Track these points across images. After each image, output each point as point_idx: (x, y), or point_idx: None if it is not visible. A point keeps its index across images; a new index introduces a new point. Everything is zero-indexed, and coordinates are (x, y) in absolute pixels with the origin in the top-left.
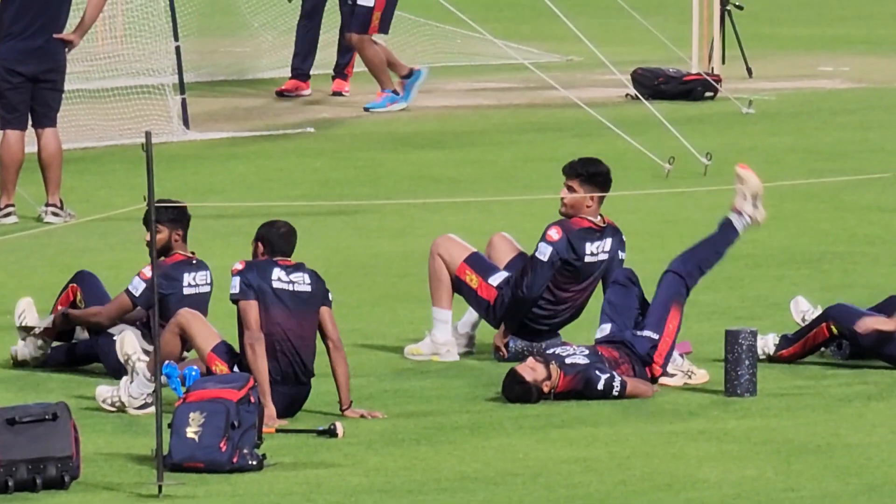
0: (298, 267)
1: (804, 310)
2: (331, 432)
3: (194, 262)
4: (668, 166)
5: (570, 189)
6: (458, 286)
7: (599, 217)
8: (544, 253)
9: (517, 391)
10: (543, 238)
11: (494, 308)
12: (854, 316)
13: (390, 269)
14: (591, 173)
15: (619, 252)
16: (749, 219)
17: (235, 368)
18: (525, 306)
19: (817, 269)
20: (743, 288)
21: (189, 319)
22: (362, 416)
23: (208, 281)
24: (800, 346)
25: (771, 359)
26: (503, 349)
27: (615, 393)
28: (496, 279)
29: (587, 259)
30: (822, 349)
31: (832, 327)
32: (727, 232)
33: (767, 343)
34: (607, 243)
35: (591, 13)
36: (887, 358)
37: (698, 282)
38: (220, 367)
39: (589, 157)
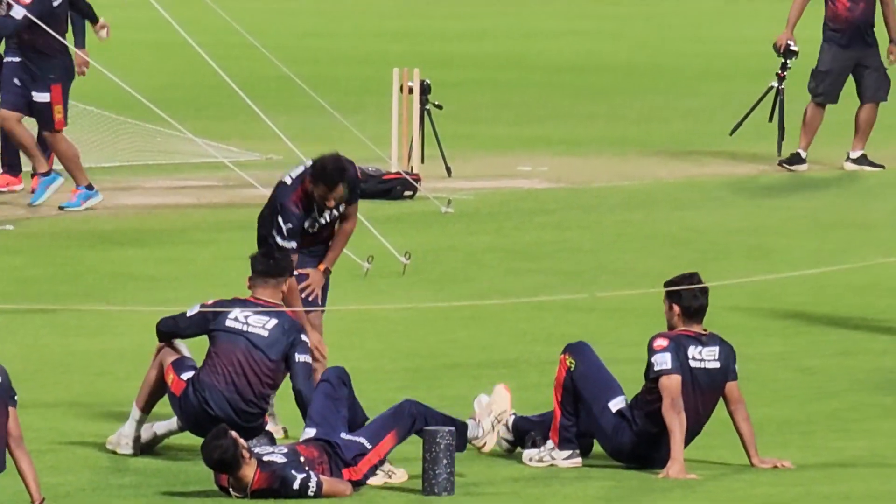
0: None
1: (489, 411)
2: None
3: None
4: (367, 265)
5: None
6: (165, 387)
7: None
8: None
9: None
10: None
11: (180, 400)
12: (589, 352)
13: (88, 367)
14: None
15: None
16: (481, 432)
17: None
18: None
19: (515, 368)
20: (441, 388)
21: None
22: None
23: None
24: (557, 394)
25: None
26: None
27: (311, 493)
28: (187, 374)
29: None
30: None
31: (568, 359)
32: (460, 427)
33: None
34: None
35: (292, 112)
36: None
37: (411, 434)
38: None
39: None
